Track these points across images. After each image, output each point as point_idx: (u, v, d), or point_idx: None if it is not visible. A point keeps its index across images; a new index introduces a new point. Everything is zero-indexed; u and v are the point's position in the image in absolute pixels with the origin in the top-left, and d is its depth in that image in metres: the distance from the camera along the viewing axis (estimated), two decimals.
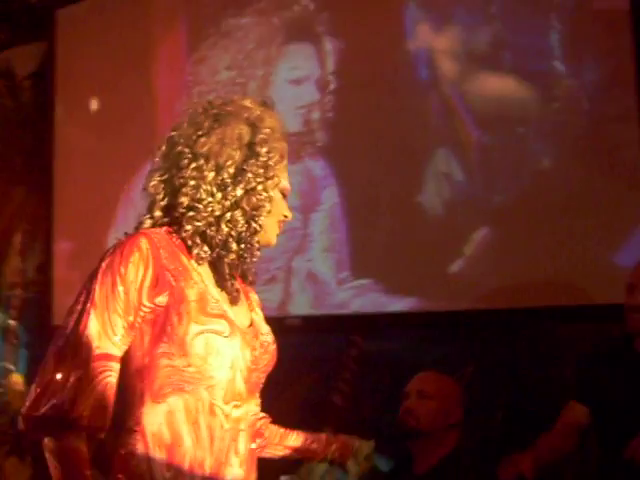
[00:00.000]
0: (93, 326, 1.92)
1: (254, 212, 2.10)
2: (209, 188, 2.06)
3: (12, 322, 5.89)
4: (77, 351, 1.91)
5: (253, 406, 2.12)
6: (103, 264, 1.98)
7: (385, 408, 3.78)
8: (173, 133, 2.16)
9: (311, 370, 4.27)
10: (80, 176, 5.41)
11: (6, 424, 5.75)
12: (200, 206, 2.05)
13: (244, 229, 2.09)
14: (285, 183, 2.19)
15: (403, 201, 4.25)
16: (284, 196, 2.20)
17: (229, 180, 2.07)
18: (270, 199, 2.13)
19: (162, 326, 1.97)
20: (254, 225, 2.11)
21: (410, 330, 4.18)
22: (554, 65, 3.89)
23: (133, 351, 1.98)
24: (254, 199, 2.09)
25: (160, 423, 1.95)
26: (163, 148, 2.15)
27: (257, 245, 2.14)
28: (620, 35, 3.71)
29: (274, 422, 2.40)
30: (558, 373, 3.64)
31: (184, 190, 2.06)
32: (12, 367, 5.86)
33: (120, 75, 5.40)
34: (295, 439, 2.45)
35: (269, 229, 2.16)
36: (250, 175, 2.09)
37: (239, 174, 2.09)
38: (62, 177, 5.61)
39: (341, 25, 4.58)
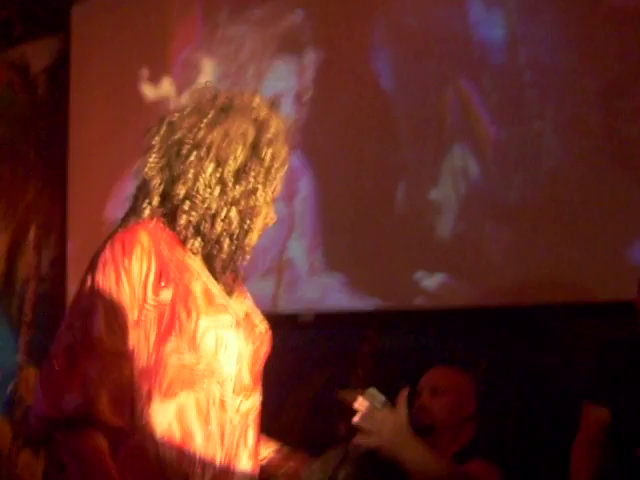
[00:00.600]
0: (102, 322, 1.91)
1: (249, 214, 2.09)
2: (208, 181, 2.04)
3: (26, 316, 5.90)
4: (89, 349, 1.89)
5: (258, 397, 2.12)
6: (103, 257, 1.96)
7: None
8: (174, 117, 2.13)
9: (324, 366, 4.26)
10: (95, 170, 5.42)
11: (20, 417, 5.78)
12: (197, 199, 2.03)
13: (237, 230, 2.08)
14: (279, 188, 2.18)
15: (419, 197, 4.24)
16: (273, 200, 2.18)
17: (229, 177, 2.06)
18: (267, 203, 2.12)
19: (169, 323, 1.95)
20: (247, 226, 2.09)
21: (424, 326, 4.16)
22: (570, 60, 3.86)
23: (137, 351, 1.95)
24: (252, 201, 2.08)
25: (170, 421, 1.93)
26: (162, 131, 2.12)
27: (249, 247, 2.13)
28: (636, 31, 3.69)
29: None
30: (572, 370, 3.63)
31: (182, 179, 2.04)
32: (26, 361, 5.88)
33: (135, 70, 5.40)
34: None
35: (257, 232, 2.15)
36: (252, 176, 2.08)
37: (240, 173, 2.07)
38: (77, 171, 5.62)
39: None
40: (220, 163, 2.05)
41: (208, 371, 1.97)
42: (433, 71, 4.24)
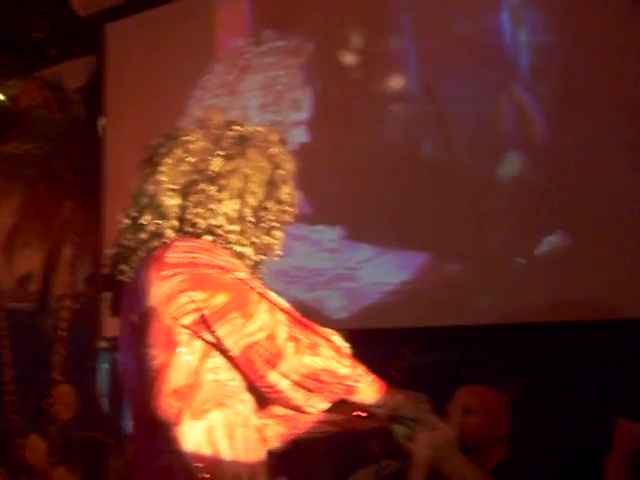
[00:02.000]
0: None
1: (263, 250, 2.11)
2: (227, 216, 2.04)
3: (61, 333, 5.94)
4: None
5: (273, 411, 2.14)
6: (154, 276, 1.94)
7: None
8: (187, 138, 2.11)
9: None
10: (129, 189, 5.42)
11: (55, 434, 5.81)
12: (219, 232, 2.03)
13: (251, 263, 2.09)
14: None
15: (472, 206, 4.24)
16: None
17: (249, 214, 2.06)
18: (280, 240, 2.14)
19: (213, 341, 1.95)
20: (259, 259, 2.12)
21: (458, 343, 4.15)
22: (625, 65, 3.82)
23: (171, 372, 1.93)
24: (268, 239, 2.10)
25: (199, 440, 1.92)
26: (176, 152, 2.10)
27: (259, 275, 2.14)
28: None
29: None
30: (604, 386, 3.60)
31: (199, 211, 2.03)
32: (61, 378, 5.91)
33: (169, 88, 5.43)
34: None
35: (264, 264, 2.17)
36: (271, 217, 2.09)
37: (259, 211, 2.08)
38: (111, 190, 5.66)
39: None
40: (239, 199, 2.06)
41: (238, 389, 1.98)
42: (486, 79, 4.22)
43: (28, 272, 6.17)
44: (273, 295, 1.98)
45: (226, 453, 1.94)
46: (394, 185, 4.45)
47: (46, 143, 6.16)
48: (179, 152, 2.09)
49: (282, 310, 1.95)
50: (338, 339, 2.05)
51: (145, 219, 2.06)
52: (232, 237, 2.04)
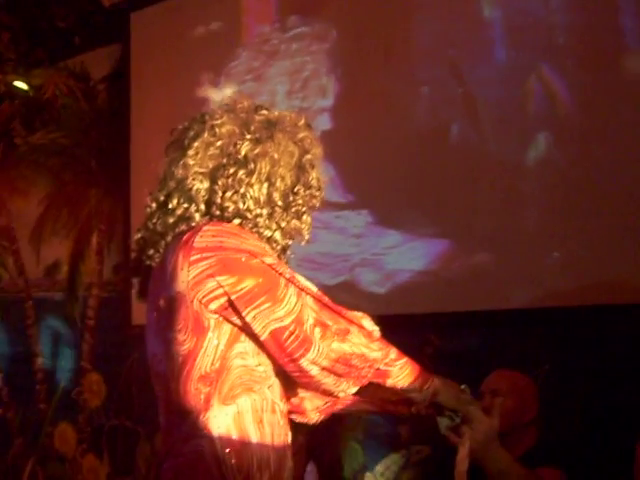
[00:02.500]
0: None
1: (290, 235, 2.12)
2: (256, 200, 2.05)
3: (89, 322, 5.96)
4: None
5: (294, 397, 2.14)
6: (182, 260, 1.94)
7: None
8: (215, 122, 2.11)
9: None
10: (155, 176, 5.42)
11: (84, 422, 5.84)
12: (248, 216, 2.03)
13: (279, 247, 2.09)
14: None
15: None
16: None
17: (278, 198, 2.07)
18: (308, 225, 2.13)
19: (241, 326, 1.95)
20: (285, 244, 2.13)
21: (485, 328, 4.13)
22: None
23: (200, 357, 1.94)
24: (297, 223, 2.10)
25: (228, 425, 1.93)
26: (203, 135, 2.10)
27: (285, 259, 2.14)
28: None
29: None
30: (634, 370, 3.57)
31: (228, 195, 2.04)
32: (89, 366, 5.94)
33: (194, 76, 5.43)
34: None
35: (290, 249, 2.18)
36: (300, 201, 2.09)
37: (288, 197, 2.09)
38: (137, 178, 5.66)
39: None
40: (268, 183, 2.06)
41: (265, 374, 1.98)
42: (515, 59, 4.18)
43: (56, 261, 6.19)
44: (301, 279, 1.97)
45: (254, 439, 1.95)
46: (421, 170, 4.42)
47: (71, 132, 6.17)
48: (207, 136, 2.09)
49: (310, 295, 1.95)
50: (368, 323, 2.05)
51: (173, 203, 2.06)
52: (260, 221, 2.04)
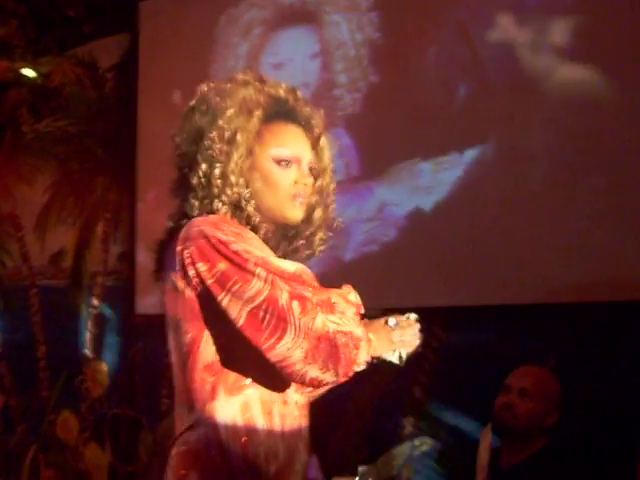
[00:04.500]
0: None
1: (263, 210, 2.05)
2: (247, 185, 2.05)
3: (93, 310, 5.97)
4: None
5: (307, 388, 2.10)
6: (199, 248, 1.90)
7: (462, 400, 3.77)
8: (224, 114, 2.12)
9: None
10: (162, 167, 5.42)
11: (86, 411, 5.84)
12: (240, 205, 2.03)
13: (256, 219, 2.02)
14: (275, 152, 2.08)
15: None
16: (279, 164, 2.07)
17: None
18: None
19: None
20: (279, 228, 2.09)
21: (491, 323, 4.13)
22: None
23: (202, 346, 1.93)
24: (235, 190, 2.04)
25: (234, 415, 1.91)
26: (213, 133, 2.09)
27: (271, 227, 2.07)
28: None
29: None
30: None
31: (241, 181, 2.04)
32: (93, 355, 5.94)
33: (203, 65, 5.42)
34: None
35: (279, 206, 2.07)
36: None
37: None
38: (145, 167, 5.67)
39: None
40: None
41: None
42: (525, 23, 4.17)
43: (61, 249, 6.20)
44: (276, 260, 1.91)
45: (262, 429, 1.93)
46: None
47: (79, 121, 6.18)
48: (216, 132, 2.09)
49: (282, 276, 1.87)
50: (354, 296, 1.95)
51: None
52: (250, 209, 2.01)
